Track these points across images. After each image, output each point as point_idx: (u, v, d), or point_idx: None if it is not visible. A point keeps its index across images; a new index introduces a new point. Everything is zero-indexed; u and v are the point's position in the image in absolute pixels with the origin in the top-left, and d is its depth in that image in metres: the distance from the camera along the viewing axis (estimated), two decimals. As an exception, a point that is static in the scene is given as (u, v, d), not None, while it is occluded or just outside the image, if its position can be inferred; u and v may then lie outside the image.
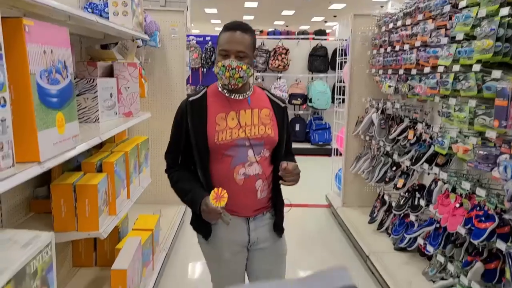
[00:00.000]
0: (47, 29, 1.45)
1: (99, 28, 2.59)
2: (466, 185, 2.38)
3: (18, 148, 1.25)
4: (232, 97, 1.82)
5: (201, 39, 8.08)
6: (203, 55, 7.96)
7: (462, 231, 2.36)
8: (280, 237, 1.94)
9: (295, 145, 8.28)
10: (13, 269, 1.05)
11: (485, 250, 2.39)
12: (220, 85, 1.84)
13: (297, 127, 8.33)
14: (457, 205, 2.46)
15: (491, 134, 2.13)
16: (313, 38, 8.41)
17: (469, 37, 2.45)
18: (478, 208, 2.31)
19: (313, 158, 7.51)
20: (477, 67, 2.31)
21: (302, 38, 8.44)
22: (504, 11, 2.11)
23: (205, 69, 8.00)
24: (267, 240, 1.90)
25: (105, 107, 2.43)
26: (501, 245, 2.06)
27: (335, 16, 17.04)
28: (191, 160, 1.84)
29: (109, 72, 2.67)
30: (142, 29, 3.14)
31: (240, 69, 1.72)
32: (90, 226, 2.05)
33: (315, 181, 5.69)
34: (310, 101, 8.11)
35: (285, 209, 1.96)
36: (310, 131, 8.23)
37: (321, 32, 8.65)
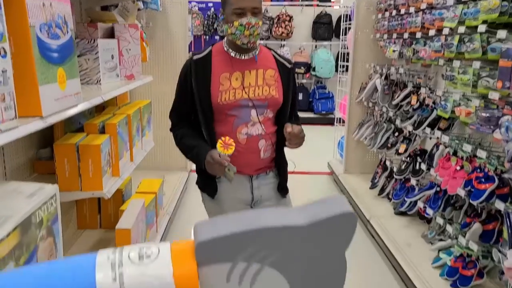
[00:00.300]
0: (46, -18, 1.43)
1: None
2: (467, 148, 2.38)
3: (20, 102, 1.26)
4: (238, 57, 1.80)
5: (203, 5, 7.95)
6: (205, 22, 7.86)
7: (462, 193, 2.38)
8: (284, 197, 1.96)
9: (299, 115, 8.14)
10: (18, 217, 1.08)
11: (484, 211, 2.42)
12: (226, 45, 1.81)
13: (300, 96, 8.28)
14: (458, 167, 2.47)
15: (494, 96, 2.11)
16: (317, 5, 8.25)
17: (475, -2, 2.41)
18: (478, 170, 2.32)
19: (316, 127, 7.50)
20: (482, 28, 2.27)
21: (306, 5, 8.29)
22: (512, -32, 2.06)
23: (207, 36, 7.92)
24: (270, 199, 1.92)
25: (106, 69, 2.42)
26: (500, 205, 2.09)
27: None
28: (196, 119, 1.85)
29: (110, 34, 2.64)
30: (143, -9, 3.09)
31: (258, 26, 1.71)
32: (94, 186, 2.08)
33: (317, 149, 5.70)
34: (314, 69, 8.04)
35: (290, 169, 1.97)
36: (313, 100, 8.19)
37: (325, -1, 8.48)
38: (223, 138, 1.68)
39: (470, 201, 2.28)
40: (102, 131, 2.30)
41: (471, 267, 2.38)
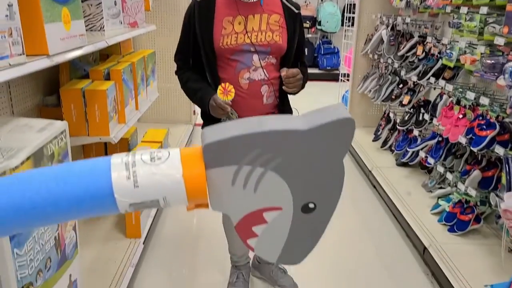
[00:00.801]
0: None
1: None
2: (471, 95, 2.39)
3: (27, 40, 1.27)
4: (243, 0, 1.75)
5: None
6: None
7: (463, 140, 2.40)
8: None
9: None
10: (31, 148, 1.12)
11: (484, 159, 2.46)
12: None
13: (305, 52, 8.18)
14: (460, 116, 2.49)
15: (499, 41, 2.10)
16: (324, -44, 7.99)
17: None
18: (480, 117, 2.34)
19: (320, 83, 7.44)
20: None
21: (312, -44, 8.03)
22: None
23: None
24: None
25: (109, 15, 2.41)
26: (500, 150, 2.12)
27: None
28: (200, 62, 1.85)
29: (112, -20, 2.60)
30: None
31: None
32: (101, 131, 2.12)
33: (321, 105, 5.66)
34: (319, 24, 7.89)
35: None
36: (318, 55, 8.09)
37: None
38: (223, 84, 1.70)
39: (471, 148, 2.31)
40: (107, 78, 2.31)
41: (468, 212, 2.44)
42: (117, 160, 0.57)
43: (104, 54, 2.76)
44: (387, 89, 3.83)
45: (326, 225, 0.67)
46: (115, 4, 2.45)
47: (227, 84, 1.69)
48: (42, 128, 1.24)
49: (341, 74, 5.26)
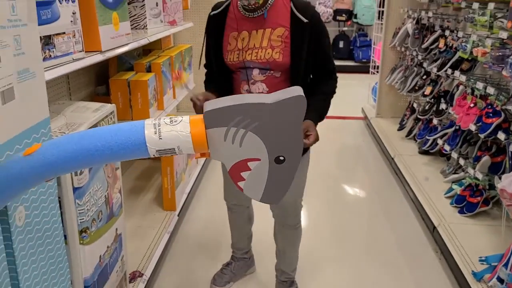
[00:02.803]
0: None
1: None
2: (480, 85, 2.55)
3: (85, 40, 1.60)
4: (247, 15, 1.75)
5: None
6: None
7: (473, 128, 2.57)
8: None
9: (339, 63, 8.34)
10: (88, 123, 1.45)
11: (494, 146, 2.61)
12: (240, 3, 1.75)
13: (341, 44, 8.32)
14: (472, 105, 2.65)
15: (503, 35, 2.25)
16: (361, -50, 8.07)
17: None
18: (489, 106, 2.50)
19: (356, 75, 7.57)
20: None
21: (349, -50, 8.13)
22: None
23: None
24: None
25: (151, 15, 2.74)
26: (501, 136, 2.28)
27: None
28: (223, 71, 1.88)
29: (154, -17, 2.93)
30: None
31: None
32: (143, 116, 2.46)
33: (354, 96, 5.87)
34: (355, 17, 8.01)
35: None
36: (354, 48, 8.21)
37: None
38: (176, 70, 1.78)
39: (479, 134, 2.48)
40: (149, 70, 2.65)
41: (477, 195, 2.61)
42: (148, 122, 0.86)
43: (147, 49, 3.11)
44: (412, 80, 3.98)
45: (294, 173, 0.94)
46: (157, 5, 2.78)
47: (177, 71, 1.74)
48: (96, 109, 1.57)
49: (372, 66, 5.41)
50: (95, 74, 2.70)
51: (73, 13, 1.49)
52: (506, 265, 1.91)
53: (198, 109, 1.70)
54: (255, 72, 1.77)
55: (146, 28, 2.69)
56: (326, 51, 1.80)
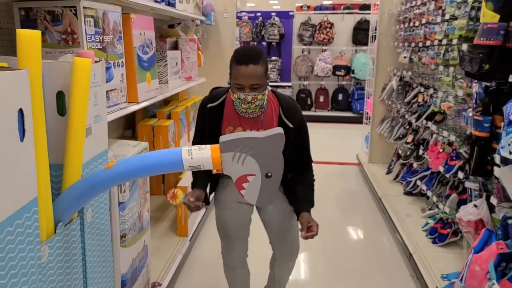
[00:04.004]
0: (141, 18, 2.31)
1: (168, 14, 3.44)
2: (445, 133, 3.04)
3: (127, 93, 2.13)
4: (244, 115, 1.93)
5: (253, 14, 8.82)
6: (254, 30, 8.72)
7: (442, 169, 3.03)
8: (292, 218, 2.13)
9: (338, 114, 9.05)
10: (130, 155, 1.94)
11: (460, 185, 3.06)
12: (237, 109, 1.93)
13: (340, 97, 8.95)
14: (440, 149, 3.13)
15: (460, 93, 2.77)
16: (358, 13, 8.88)
17: (455, 17, 3.06)
18: (454, 151, 2.97)
19: (353, 125, 8.13)
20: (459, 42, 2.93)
21: (347, 13, 8.94)
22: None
23: (255, 43, 8.77)
24: (276, 205, 2.10)
25: (172, 72, 3.31)
26: (461, 175, 2.74)
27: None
28: None
29: (175, 46, 3.53)
30: (200, 11, 3.96)
31: (255, 100, 1.82)
32: (163, 155, 2.95)
33: (349, 144, 6.40)
34: (353, 72, 8.68)
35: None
36: (353, 100, 8.83)
37: (365, 7, 9.07)
38: (172, 190, 1.92)
39: (445, 174, 2.94)
40: (169, 117, 3.18)
41: (447, 227, 3.03)
42: (184, 148, 1.35)
43: (166, 100, 3.67)
44: (398, 130, 4.49)
45: (277, 185, 1.41)
46: (177, 64, 3.36)
47: (175, 189, 1.96)
48: (134, 145, 2.07)
49: (365, 117, 5.96)
50: (124, 120, 3.23)
51: (121, 75, 2.02)
52: (461, 279, 2.31)
53: (192, 208, 1.87)
54: None
55: (167, 83, 3.25)
56: (307, 148, 2.04)
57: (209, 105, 1.99)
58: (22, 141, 1.08)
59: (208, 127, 1.99)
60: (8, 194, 1.01)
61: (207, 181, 2.06)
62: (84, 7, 1.72)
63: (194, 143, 2.10)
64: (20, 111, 1.07)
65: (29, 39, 1.15)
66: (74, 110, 1.35)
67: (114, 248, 1.83)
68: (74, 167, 1.39)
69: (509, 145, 1.84)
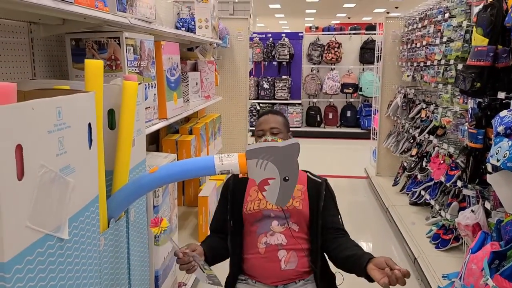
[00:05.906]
0: (169, 45, 2.61)
1: (188, 38, 3.76)
2: (445, 146, 3.28)
3: (158, 111, 2.41)
4: None
5: (263, 36, 9.18)
6: (264, 50, 9.08)
7: (443, 179, 3.27)
8: None
9: (347, 130, 9.47)
10: (162, 164, 2.21)
11: (460, 194, 3.28)
12: None
13: (349, 114, 9.22)
14: (442, 161, 3.36)
15: (456, 108, 3.02)
16: (364, 33, 9.21)
17: (452, 40, 3.33)
18: (453, 162, 3.21)
19: (361, 141, 8.38)
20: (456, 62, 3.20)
21: (354, 33, 9.28)
22: (465, 22, 3.00)
23: (266, 62, 9.11)
24: None
25: (193, 92, 3.60)
26: (459, 183, 2.97)
27: (396, 7, 17.25)
28: (226, 230, 1.93)
29: (194, 67, 3.83)
30: (217, 35, 4.28)
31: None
32: (185, 167, 3.23)
33: (358, 158, 6.65)
34: (361, 90, 8.96)
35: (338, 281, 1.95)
36: (361, 117, 9.09)
37: (371, 27, 9.43)
38: (154, 218, 1.74)
39: (446, 183, 3.17)
40: (191, 132, 3.47)
41: (449, 233, 3.25)
42: (216, 156, 1.62)
43: (187, 117, 3.96)
44: (403, 144, 4.73)
45: (294, 188, 1.67)
46: (197, 84, 3.66)
47: (158, 217, 1.76)
48: (165, 157, 2.35)
49: (372, 132, 6.21)
50: (149, 135, 3.52)
51: (154, 95, 2.31)
52: (460, 278, 2.53)
53: (181, 263, 1.70)
54: (274, 223, 1.85)
55: (189, 102, 3.54)
56: (337, 211, 1.94)
57: (233, 177, 2.00)
58: (90, 149, 1.36)
59: (232, 197, 1.95)
60: (83, 190, 1.29)
61: (215, 249, 1.91)
62: (126, 38, 2.02)
63: (210, 226, 2.06)
64: (89, 125, 1.35)
65: (94, 67, 1.44)
66: (123, 125, 1.64)
67: (149, 245, 2.09)
68: (122, 173, 1.67)
69: (497, 153, 2.09)
